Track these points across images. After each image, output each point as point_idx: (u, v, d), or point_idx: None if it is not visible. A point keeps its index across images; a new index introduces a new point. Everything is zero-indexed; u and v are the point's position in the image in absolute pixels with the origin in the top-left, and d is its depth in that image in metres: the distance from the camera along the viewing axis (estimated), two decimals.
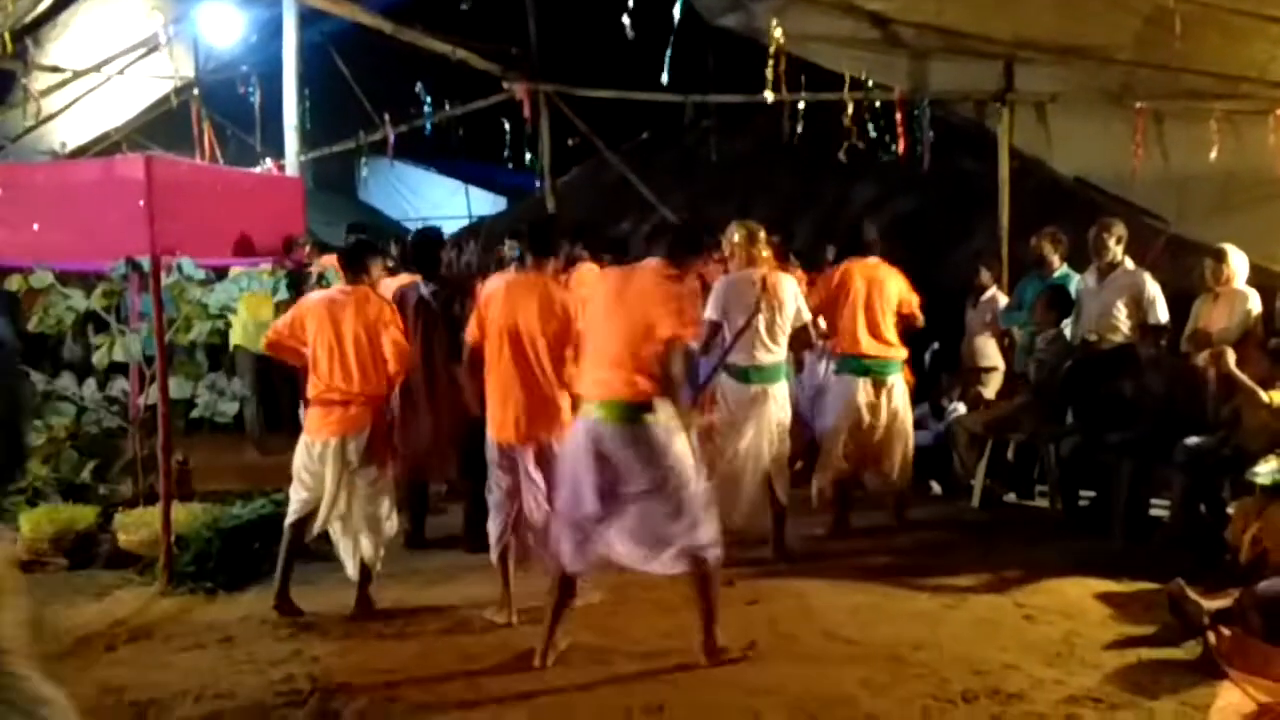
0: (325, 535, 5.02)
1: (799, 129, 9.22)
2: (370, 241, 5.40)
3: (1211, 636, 4.13)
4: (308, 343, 4.89)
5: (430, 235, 6.48)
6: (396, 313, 5.08)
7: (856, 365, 6.10)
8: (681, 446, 4.21)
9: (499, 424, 4.77)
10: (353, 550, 4.95)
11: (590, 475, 4.17)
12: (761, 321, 5.53)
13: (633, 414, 4.13)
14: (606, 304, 4.30)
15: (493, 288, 4.85)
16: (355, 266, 5.06)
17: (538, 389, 4.70)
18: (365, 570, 4.96)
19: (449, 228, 12.10)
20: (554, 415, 4.71)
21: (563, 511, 4.32)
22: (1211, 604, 4.34)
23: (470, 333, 4.86)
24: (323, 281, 6.02)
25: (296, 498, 4.96)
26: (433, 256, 6.08)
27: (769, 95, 8.72)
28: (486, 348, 4.77)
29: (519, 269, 4.95)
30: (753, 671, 4.19)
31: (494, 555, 4.84)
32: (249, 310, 6.88)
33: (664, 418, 4.16)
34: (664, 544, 4.19)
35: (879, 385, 6.09)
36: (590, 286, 4.35)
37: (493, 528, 4.84)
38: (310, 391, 4.92)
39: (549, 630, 4.31)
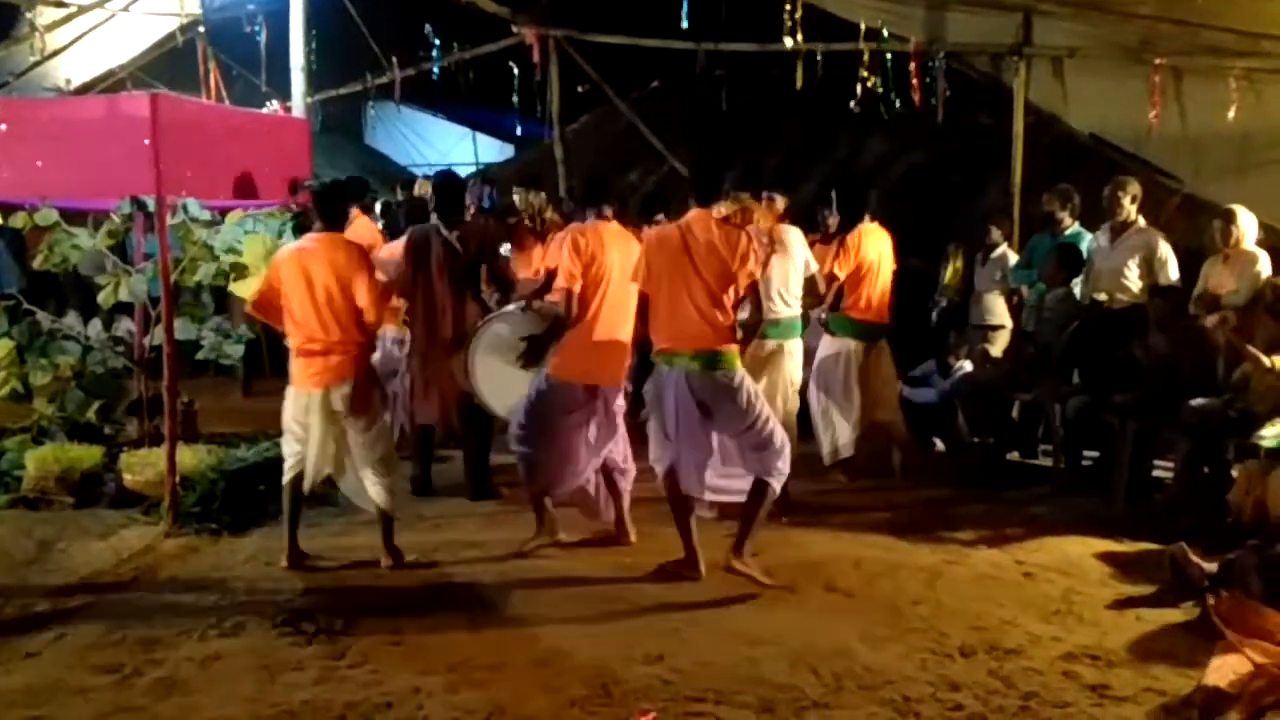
0: (329, 479, 4.94)
1: (815, 78, 9.08)
2: (344, 186, 5.15)
3: (1210, 598, 4.15)
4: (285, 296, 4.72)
5: (453, 179, 6.33)
6: (366, 256, 4.84)
7: (858, 329, 6.21)
8: (753, 385, 4.59)
9: (594, 367, 4.86)
10: (368, 499, 4.86)
11: (697, 420, 4.52)
12: (775, 275, 5.54)
13: (723, 362, 4.46)
14: (678, 260, 4.47)
15: (592, 238, 4.84)
16: (327, 212, 4.82)
17: (631, 335, 4.93)
18: (386, 517, 4.87)
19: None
20: (628, 360, 5.08)
21: (677, 448, 4.58)
22: (1212, 566, 4.37)
23: (569, 281, 4.77)
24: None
25: (290, 451, 4.84)
26: (457, 200, 5.98)
27: (788, 41, 8.58)
28: (586, 295, 4.81)
29: (600, 219, 4.95)
30: (752, 622, 4.22)
31: (532, 491, 5.02)
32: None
33: (739, 361, 4.53)
34: (742, 471, 4.63)
35: (872, 348, 6.26)
36: (650, 247, 4.57)
37: (540, 468, 4.93)
38: (291, 342, 4.78)
39: (690, 544, 4.67)
